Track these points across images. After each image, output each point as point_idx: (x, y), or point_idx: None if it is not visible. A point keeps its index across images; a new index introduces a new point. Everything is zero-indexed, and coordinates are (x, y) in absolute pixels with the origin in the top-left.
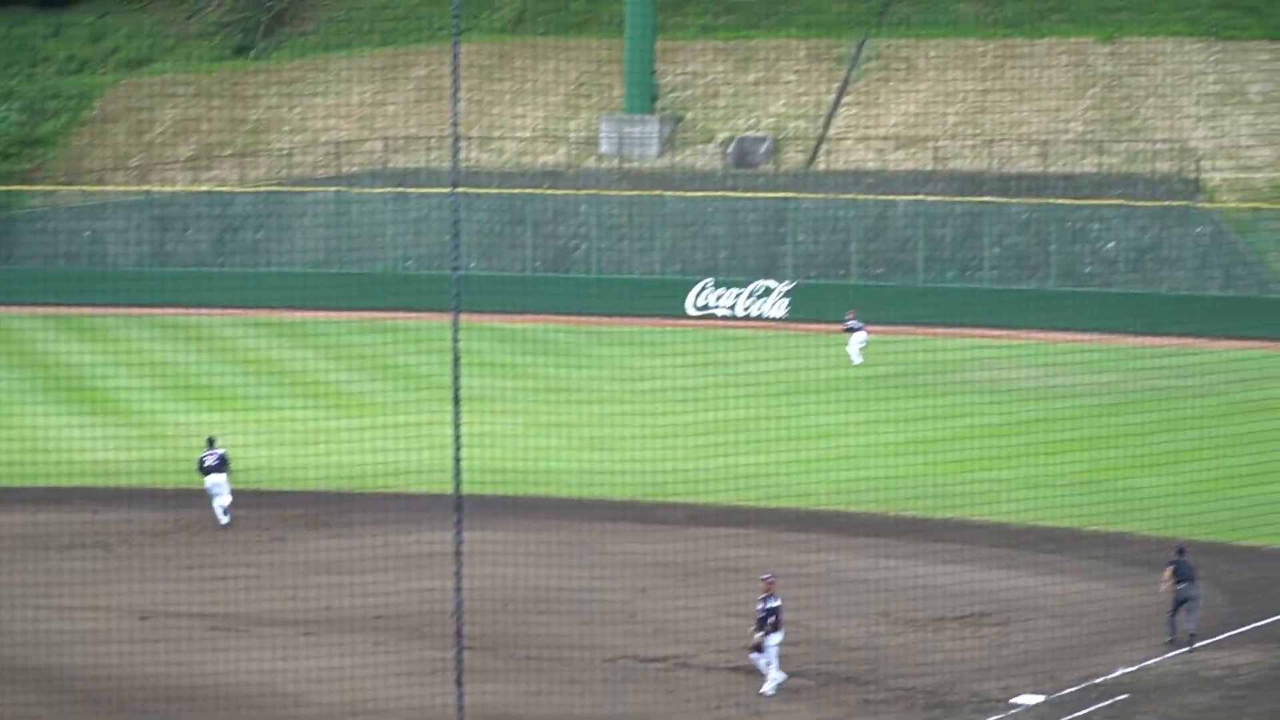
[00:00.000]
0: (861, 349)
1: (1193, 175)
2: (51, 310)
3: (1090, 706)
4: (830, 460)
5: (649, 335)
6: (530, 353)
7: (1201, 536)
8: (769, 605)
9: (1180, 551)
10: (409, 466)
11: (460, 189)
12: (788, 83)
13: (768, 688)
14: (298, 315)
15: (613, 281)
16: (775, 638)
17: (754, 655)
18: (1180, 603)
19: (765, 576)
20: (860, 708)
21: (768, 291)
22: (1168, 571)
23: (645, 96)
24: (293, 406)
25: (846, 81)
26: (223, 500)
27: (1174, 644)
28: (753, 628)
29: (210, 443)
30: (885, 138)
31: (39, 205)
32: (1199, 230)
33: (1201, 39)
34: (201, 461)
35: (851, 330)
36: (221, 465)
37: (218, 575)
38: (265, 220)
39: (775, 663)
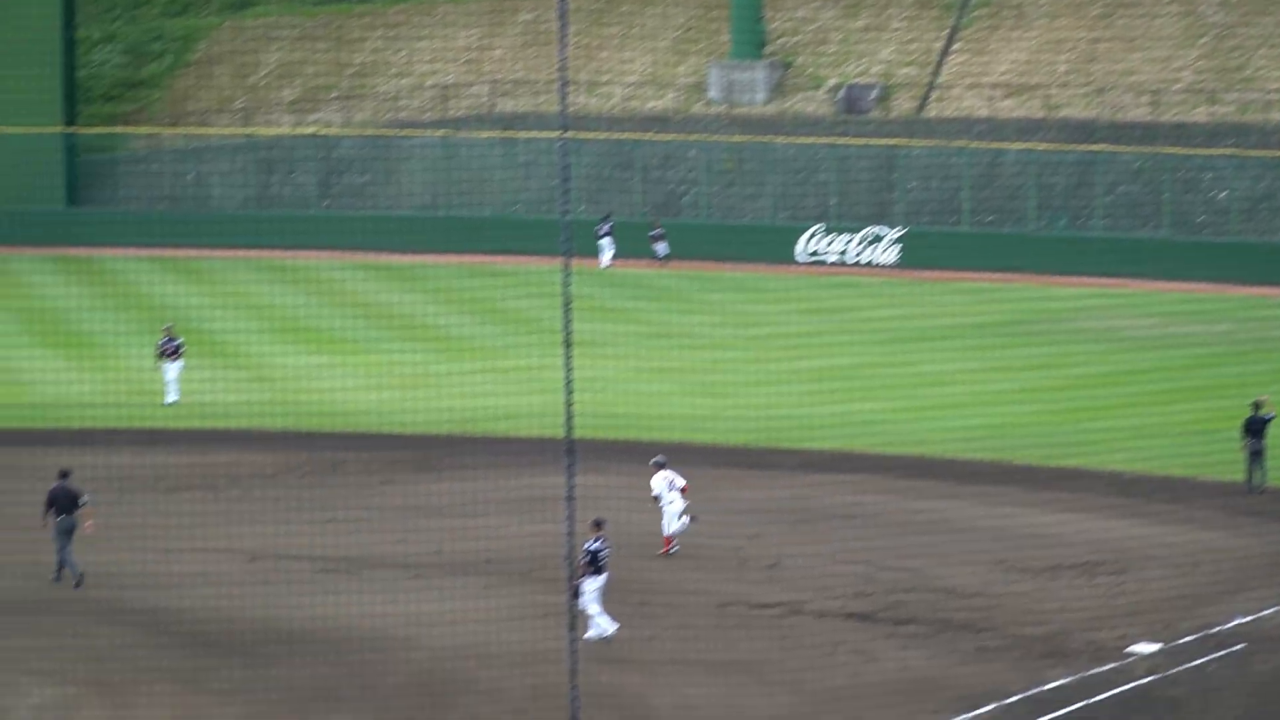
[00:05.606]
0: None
1: None
2: (155, 252)
3: (1206, 656)
4: (942, 408)
5: (758, 281)
6: (640, 298)
7: None
8: (591, 548)
9: (1257, 406)
10: (518, 410)
11: (569, 133)
12: (896, 29)
13: (590, 634)
14: (404, 259)
15: (722, 228)
16: (594, 581)
17: (574, 599)
18: (1253, 455)
19: (596, 519)
20: (975, 655)
21: (878, 238)
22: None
23: (753, 42)
24: (400, 350)
25: (955, 29)
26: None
27: (1250, 492)
28: (579, 570)
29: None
30: (995, 85)
31: (141, 147)
32: None
33: None
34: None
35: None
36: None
37: (326, 518)
38: (370, 164)
39: (595, 607)
